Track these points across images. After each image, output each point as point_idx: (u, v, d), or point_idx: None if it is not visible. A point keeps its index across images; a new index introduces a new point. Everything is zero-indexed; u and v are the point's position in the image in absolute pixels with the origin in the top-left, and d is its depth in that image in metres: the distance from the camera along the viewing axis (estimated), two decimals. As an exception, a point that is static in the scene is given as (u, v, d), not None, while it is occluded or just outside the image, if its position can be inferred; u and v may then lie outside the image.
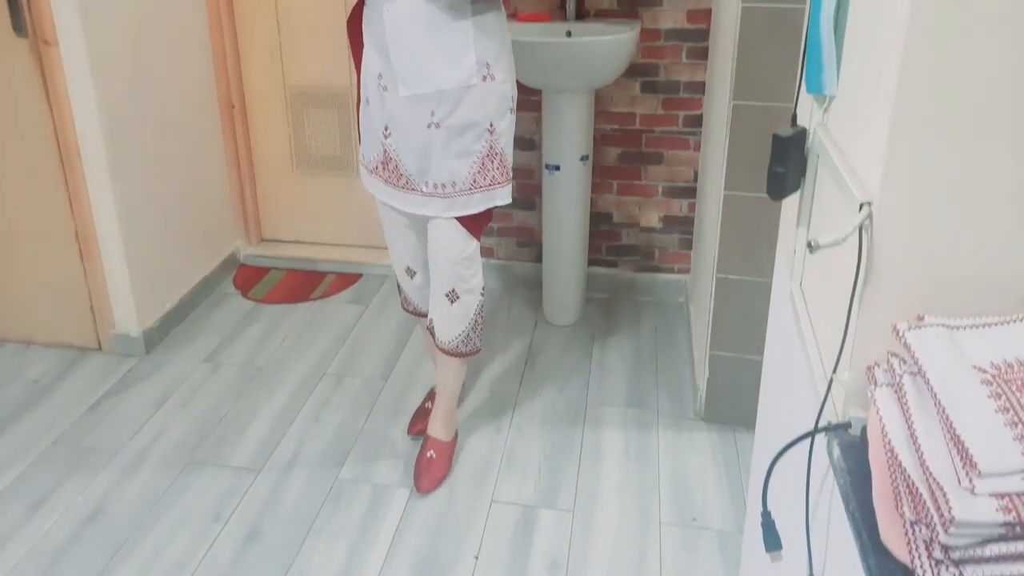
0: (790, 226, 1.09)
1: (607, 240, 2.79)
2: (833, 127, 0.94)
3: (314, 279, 2.99)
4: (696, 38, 2.48)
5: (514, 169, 2.72)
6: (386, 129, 1.79)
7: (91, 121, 2.30)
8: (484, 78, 1.74)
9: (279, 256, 3.08)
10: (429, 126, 1.74)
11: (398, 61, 1.70)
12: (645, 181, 2.68)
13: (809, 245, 0.77)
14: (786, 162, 0.98)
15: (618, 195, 2.72)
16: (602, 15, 2.51)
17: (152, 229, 2.56)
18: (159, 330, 2.60)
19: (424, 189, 1.80)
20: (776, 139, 0.97)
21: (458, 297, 1.89)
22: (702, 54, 2.48)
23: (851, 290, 0.79)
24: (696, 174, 2.62)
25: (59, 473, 2.05)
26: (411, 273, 2.02)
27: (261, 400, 2.33)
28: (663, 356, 2.52)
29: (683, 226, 2.71)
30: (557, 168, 2.50)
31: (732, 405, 2.15)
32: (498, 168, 1.82)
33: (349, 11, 1.86)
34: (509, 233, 2.86)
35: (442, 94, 1.72)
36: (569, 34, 2.45)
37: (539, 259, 2.78)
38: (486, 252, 2.89)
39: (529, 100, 2.63)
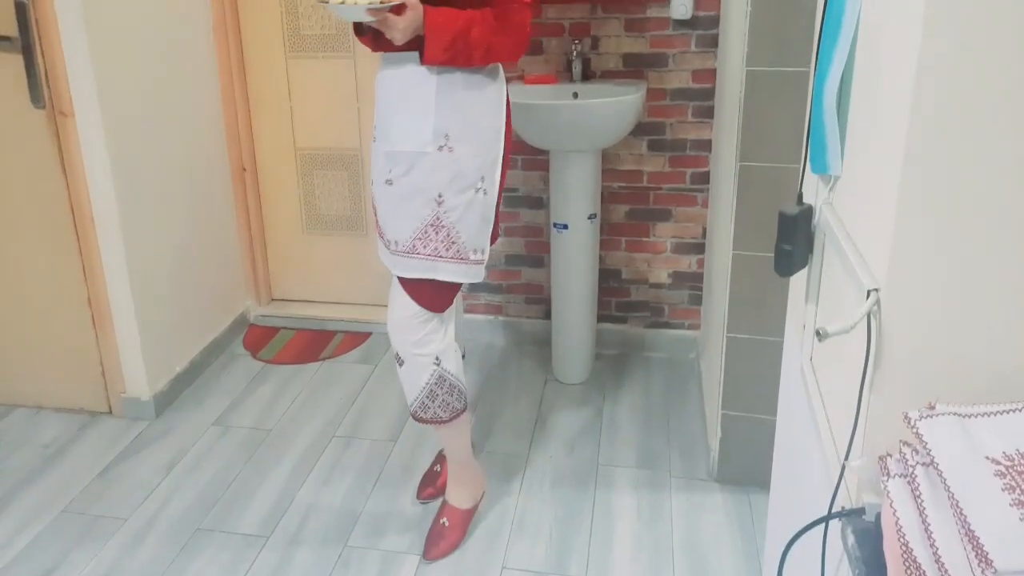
0: (799, 302, 1.08)
1: (616, 296, 2.79)
2: (839, 206, 0.94)
3: (323, 338, 2.99)
4: (702, 97, 2.50)
5: (522, 227, 2.77)
6: (372, 180, 1.86)
7: (105, 189, 2.33)
8: (440, 148, 1.72)
9: (289, 316, 3.09)
10: (386, 182, 1.78)
11: (378, 116, 1.81)
12: (654, 238, 2.69)
13: (817, 333, 0.77)
14: (793, 239, 0.98)
15: (627, 251, 2.73)
16: (608, 76, 2.55)
17: (164, 293, 2.58)
18: (169, 393, 2.60)
19: (389, 246, 1.81)
20: (782, 217, 0.97)
21: (403, 362, 1.86)
22: (708, 112, 2.51)
23: (861, 376, 0.78)
24: (704, 230, 2.63)
25: (68, 541, 2.03)
26: None
27: (270, 464, 2.31)
28: (674, 415, 2.50)
29: (692, 282, 2.71)
30: (565, 227, 2.51)
31: (745, 466, 2.13)
32: (443, 241, 1.76)
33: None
34: (517, 290, 2.87)
35: (399, 155, 1.75)
36: (575, 95, 2.49)
37: (548, 316, 2.78)
38: (494, 310, 2.89)
39: (536, 159, 2.66)
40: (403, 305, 1.81)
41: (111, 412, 2.56)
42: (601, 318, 2.78)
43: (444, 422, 1.90)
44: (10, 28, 2.21)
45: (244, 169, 2.96)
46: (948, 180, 0.72)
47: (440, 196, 1.74)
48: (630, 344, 2.82)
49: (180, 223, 2.65)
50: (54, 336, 2.51)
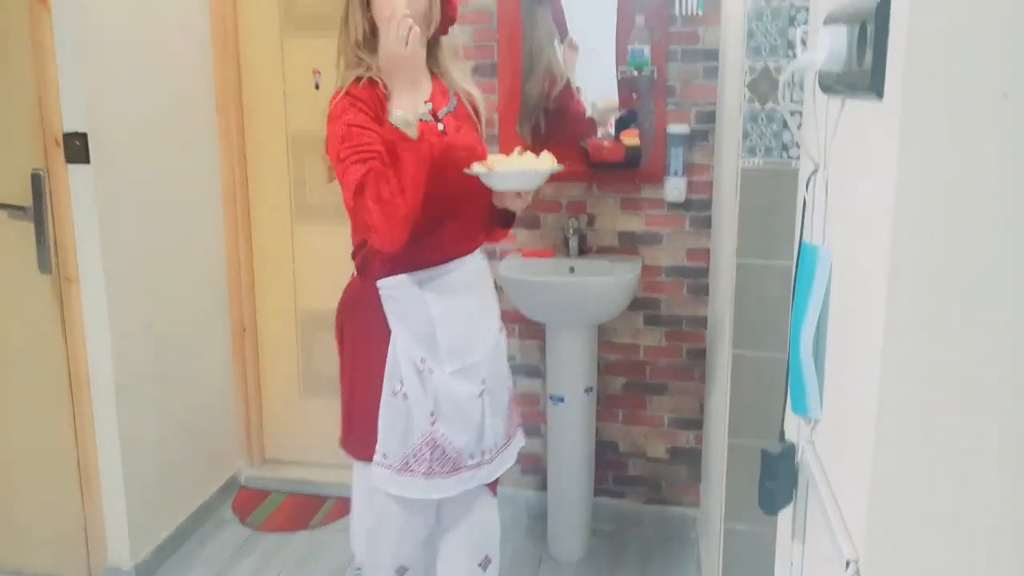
0: (786, 538, 1.05)
1: (614, 470, 2.74)
2: (820, 448, 0.93)
3: (314, 504, 2.92)
4: (696, 275, 2.54)
5: (518, 396, 2.75)
6: (432, 415, 1.64)
7: (103, 354, 2.35)
8: (500, 329, 1.78)
9: (281, 478, 3.03)
10: (480, 395, 1.68)
11: (444, 336, 1.64)
12: (651, 411, 2.66)
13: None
14: (776, 477, 0.96)
15: (624, 424, 2.70)
16: (604, 252, 2.60)
17: (154, 459, 2.55)
18: (152, 562, 2.52)
19: (470, 463, 1.69)
20: (765, 455, 0.96)
21: (490, 561, 1.82)
22: (703, 290, 2.54)
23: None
24: (702, 406, 2.61)
25: None
26: (401, 572, 1.79)
27: (248, 647, 2.21)
28: (673, 600, 2.39)
29: (690, 458, 2.66)
30: (561, 400, 2.49)
31: (746, 665, 2.02)
32: (516, 411, 1.84)
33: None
34: (514, 459, 2.81)
35: (488, 357, 1.70)
36: (572, 270, 2.53)
37: (544, 487, 2.72)
38: (490, 479, 2.83)
39: (532, 329, 2.68)
40: (495, 503, 1.82)
41: (90, 582, 2.48)
42: (598, 491, 2.71)
43: None
44: (24, 198, 2.29)
45: (244, 329, 2.98)
46: (925, 435, 0.71)
47: (508, 373, 1.81)
48: (628, 520, 2.74)
49: (176, 386, 2.65)
50: (40, 499, 2.46)
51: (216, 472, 2.91)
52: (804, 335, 0.90)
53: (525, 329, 2.70)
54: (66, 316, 2.35)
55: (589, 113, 2.58)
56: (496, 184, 1.57)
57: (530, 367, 2.74)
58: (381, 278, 1.62)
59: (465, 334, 1.66)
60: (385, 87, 1.55)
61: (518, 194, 1.63)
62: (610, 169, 2.52)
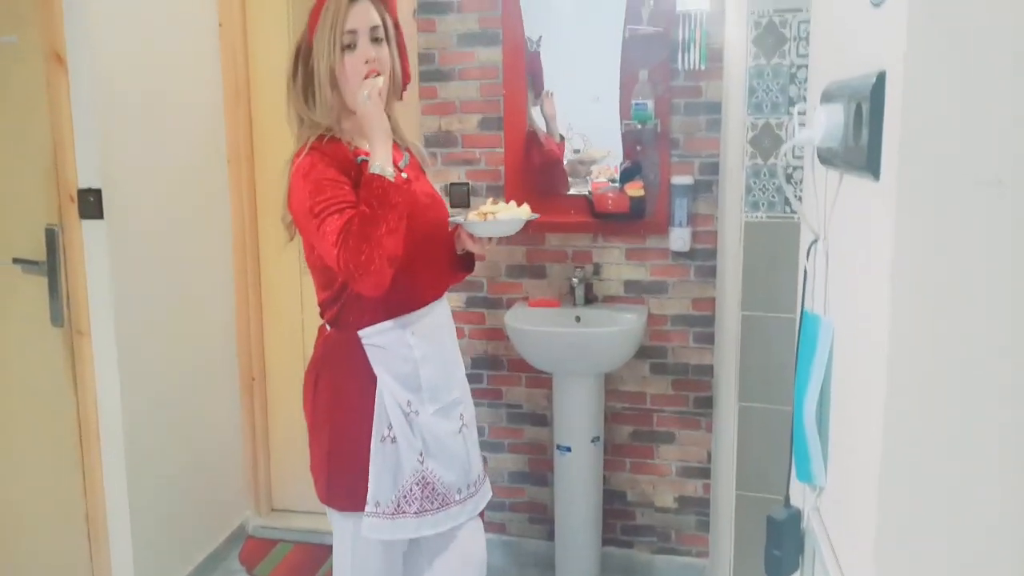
0: (793, 604, 1.06)
1: (622, 519, 2.72)
2: (825, 516, 0.94)
3: (321, 554, 2.91)
4: (703, 324, 2.56)
5: (526, 444, 2.76)
6: (420, 455, 1.67)
7: (113, 407, 2.36)
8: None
9: (288, 528, 3.02)
10: (460, 431, 1.75)
11: (427, 377, 1.68)
12: (658, 460, 2.66)
13: None
14: (781, 545, 0.97)
15: (631, 473, 2.69)
16: (610, 301, 2.62)
17: (162, 508, 2.55)
18: (157, 616, 2.51)
19: (458, 498, 1.73)
20: (770, 522, 0.97)
21: None
22: (709, 339, 2.55)
23: None
24: (709, 455, 2.61)
25: None
26: None
27: None
28: (683, 653, 2.37)
29: (699, 507, 2.65)
30: (568, 449, 2.49)
31: None
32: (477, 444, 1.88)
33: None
34: (520, 508, 2.81)
35: (465, 394, 1.79)
36: (578, 319, 2.55)
37: (551, 537, 2.71)
38: (496, 528, 2.82)
39: (539, 377, 2.69)
40: (481, 532, 1.85)
41: (95, 637, 2.46)
42: (606, 541, 2.70)
43: None
44: (38, 253, 2.33)
45: (253, 379, 3.00)
46: (929, 505, 0.72)
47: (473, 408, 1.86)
48: (637, 570, 2.72)
49: (185, 436, 2.66)
50: (49, 550, 2.46)
51: (223, 521, 2.91)
52: (807, 404, 0.91)
53: (531, 377, 2.72)
54: (77, 369, 2.37)
55: (568, 160, 2.65)
56: (489, 231, 1.68)
57: (536, 416, 2.74)
58: (361, 328, 1.65)
59: (443, 374, 1.73)
60: (349, 143, 1.64)
61: (489, 240, 1.72)
62: (615, 219, 2.55)
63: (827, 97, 0.91)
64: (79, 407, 2.39)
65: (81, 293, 2.33)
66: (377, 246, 1.47)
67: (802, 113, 1.33)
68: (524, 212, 1.71)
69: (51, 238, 2.31)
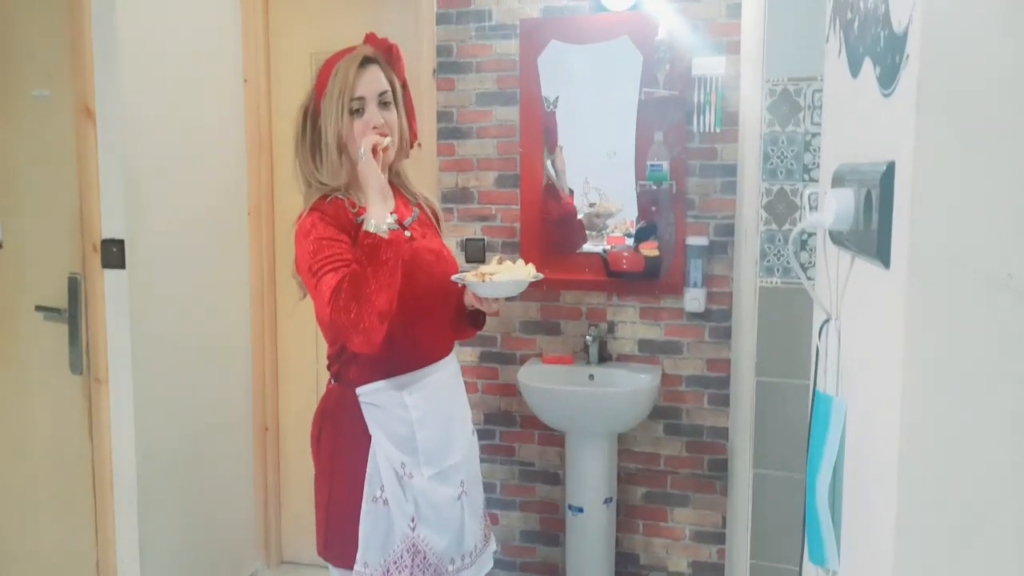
0: None
1: (634, 582, 2.68)
2: (838, 601, 0.92)
3: (329, 610, 2.87)
4: (717, 385, 2.54)
5: (538, 502, 2.74)
6: (412, 520, 1.65)
7: (127, 456, 2.37)
8: (472, 431, 1.82)
9: (296, 582, 3.00)
10: (459, 497, 1.71)
11: (423, 440, 1.66)
12: (672, 523, 2.62)
13: None
14: (793, 628, 0.95)
15: (645, 536, 2.65)
16: (624, 359, 2.61)
17: (172, 559, 2.53)
18: (163, 669, 2.48)
19: (451, 568, 1.70)
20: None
21: None
22: (724, 401, 2.53)
23: None
24: (724, 519, 2.57)
25: None
26: None
27: None
28: None
29: (713, 573, 2.60)
30: (580, 510, 2.47)
31: None
32: (487, 515, 1.84)
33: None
34: (532, 569, 2.77)
35: (467, 458, 1.74)
36: (592, 378, 2.54)
37: (563, 599, 2.67)
38: (508, 588, 2.78)
39: (552, 435, 2.67)
40: None
41: None
42: (618, 604, 2.65)
43: None
44: (59, 301, 2.36)
45: (266, 428, 3.00)
46: None
47: (480, 476, 1.83)
48: (648, 635, 2.67)
49: (197, 486, 2.66)
50: (54, 603, 2.45)
51: (234, 572, 2.88)
52: (819, 486, 0.90)
53: (544, 435, 2.70)
54: (94, 416, 2.38)
55: (580, 215, 2.66)
56: (489, 292, 1.64)
57: (549, 474, 2.72)
58: (359, 385, 1.65)
59: (442, 437, 1.69)
60: (352, 204, 1.64)
61: (496, 299, 1.69)
62: (630, 279, 2.55)
63: (838, 180, 0.93)
64: (94, 454, 2.39)
65: (101, 341, 2.36)
66: (366, 303, 1.47)
67: (814, 193, 1.34)
68: (525, 273, 1.66)
69: (74, 286, 2.34)
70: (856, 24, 0.91)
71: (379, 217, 1.52)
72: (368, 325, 1.47)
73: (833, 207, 0.87)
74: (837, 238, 0.94)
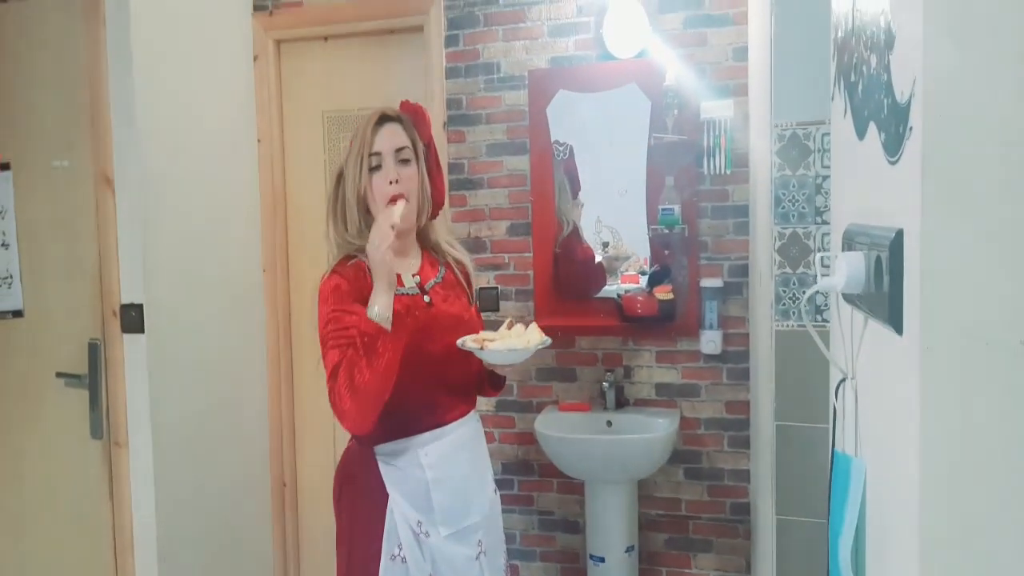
0: None
1: (660, 631, 2.64)
2: (869, 664, 0.91)
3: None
4: (737, 427, 2.53)
5: (558, 552, 2.71)
6: None
7: (147, 518, 2.37)
8: (494, 490, 1.81)
9: (319, 638, 2.97)
10: (477, 557, 1.70)
11: (439, 500, 1.66)
12: (696, 570, 2.59)
13: None
14: None
15: (668, 583, 2.62)
16: (641, 404, 2.61)
17: (192, 621, 2.52)
18: None
19: None
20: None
21: None
22: (744, 443, 2.52)
23: None
24: (748, 563, 2.54)
25: None
26: None
27: None
28: None
29: (740, 619, 2.57)
30: (602, 560, 2.44)
31: None
32: (508, 572, 1.82)
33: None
34: (556, 619, 2.74)
35: (486, 518, 1.73)
36: (609, 424, 2.53)
37: (588, 650, 2.63)
38: (532, 640, 2.75)
39: (571, 483, 2.65)
40: None
41: None
42: (645, 655, 2.61)
43: None
44: (80, 366, 2.39)
45: (284, 484, 3.00)
46: None
47: (503, 536, 1.81)
48: None
49: (217, 546, 2.65)
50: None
51: (254, 633, 2.87)
52: (842, 548, 0.90)
53: (563, 483, 2.69)
54: (114, 480, 2.39)
55: (599, 259, 2.67)
56: (487, 359, 1.64)
57: (569, 523, 2.70)
58: (378, 443, 1.67)
59: (460, 498, 1.69)
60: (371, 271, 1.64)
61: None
62: (645, 323, 2.55)
63: (848, 241, 0.93)
64: (115, 517, 2.40)
65: (120, 405, 2.37)
66: (358, 392, 1.49)
67: (826, 251, 1.35)
68: (523, 341, 1.63)
69: (94, 352, 2.37)
70: (860, 88, 0.92)
71: (383, 306, 1.53)
72: (357, 412, 1.51)
73: (845, 270, 0.87)
74: (850, 298, 0.95)
